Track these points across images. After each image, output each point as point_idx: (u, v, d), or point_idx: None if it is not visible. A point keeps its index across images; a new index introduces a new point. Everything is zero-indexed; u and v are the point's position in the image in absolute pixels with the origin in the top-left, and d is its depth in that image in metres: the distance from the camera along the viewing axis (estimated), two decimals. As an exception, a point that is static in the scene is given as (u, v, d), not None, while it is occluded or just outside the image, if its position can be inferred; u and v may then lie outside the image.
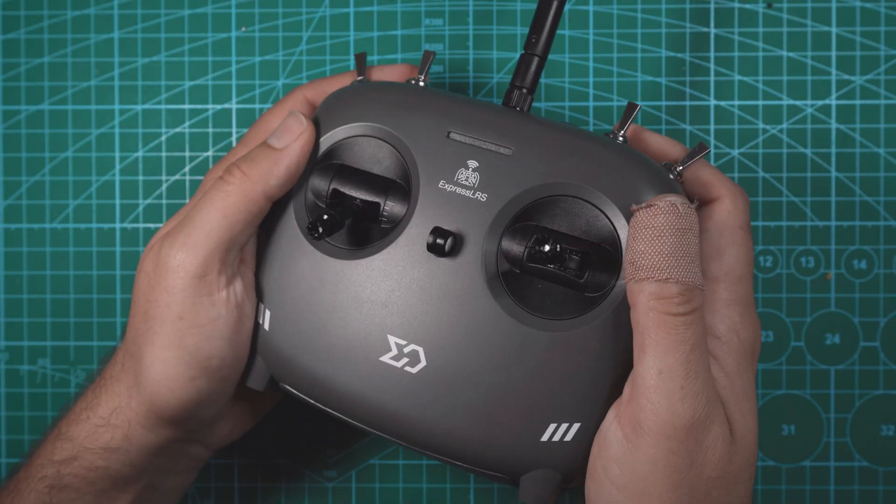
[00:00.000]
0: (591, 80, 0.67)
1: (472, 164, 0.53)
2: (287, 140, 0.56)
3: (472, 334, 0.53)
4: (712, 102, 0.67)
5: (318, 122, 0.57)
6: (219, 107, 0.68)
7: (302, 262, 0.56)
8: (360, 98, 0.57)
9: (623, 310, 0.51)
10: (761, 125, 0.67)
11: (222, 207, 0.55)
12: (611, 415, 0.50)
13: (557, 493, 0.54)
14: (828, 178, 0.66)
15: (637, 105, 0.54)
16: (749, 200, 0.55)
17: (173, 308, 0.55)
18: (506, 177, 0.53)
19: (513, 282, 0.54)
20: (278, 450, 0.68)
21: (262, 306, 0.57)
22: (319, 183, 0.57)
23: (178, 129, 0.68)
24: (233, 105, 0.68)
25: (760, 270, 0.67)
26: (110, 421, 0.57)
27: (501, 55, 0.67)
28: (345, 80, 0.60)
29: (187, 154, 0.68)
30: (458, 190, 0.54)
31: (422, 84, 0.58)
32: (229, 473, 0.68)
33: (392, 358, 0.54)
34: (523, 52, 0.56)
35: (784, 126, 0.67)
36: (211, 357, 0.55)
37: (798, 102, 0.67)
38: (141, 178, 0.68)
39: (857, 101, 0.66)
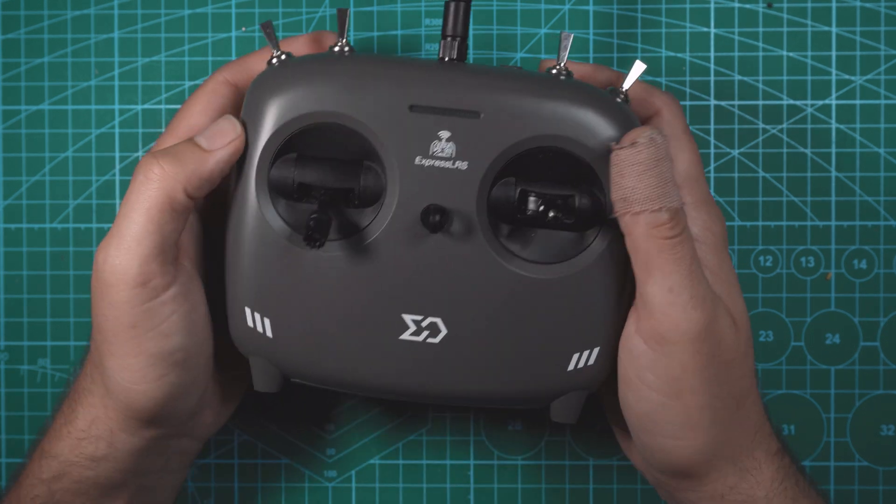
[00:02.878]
0: (591, 80, 0.67)
1: (445, 134, 0.54)
2: (218, 143, 0.55)
3: (486, 295, 0.55)
4: (712, 102, 0.67)
5: (254, 113, 0.55)
6: (219, 107, 0.68)
7: (292, 265, 0.55)
8: (297, 82, 0.55)
9: (617, 238, 0.55)
10: (761, 125, 0.67)
11: (146, 210, 0.54)
12: (630, 329, 0.55)
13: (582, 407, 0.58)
14: (828, 178, 0.66)
15: (570, 34, 0.56)
16: (681, 104, 0.59)
17: (123, 320, 0.54)
18: (481, 141, 0.54)
19: (511, 238, 0.55)
20: (278, 450, 0.68)
21: (254, 313, 0.56)
22: (282, 179, 0.55)
23: (178, 129, 0.68)
24: (233, 105, 0.68)
25: (760, 270, 0.67)
26: (91, 432, 0.57)
27: (501, 55, 0.67)
28: (268, 57, 0.57)
29: (187, 154, 0.68)
30: (437, 163, 0.54)
31: (346, 50, 0.56)
32: (229, 473, 0.68)
33: (412, 334, 0.56)
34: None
35: (784, 126, 0.67)
36: (174, 352, 0.55)
37: (798, 102, 0.67)
38: (141, 178, 0.68)
39: (857, 101, 0.66)
